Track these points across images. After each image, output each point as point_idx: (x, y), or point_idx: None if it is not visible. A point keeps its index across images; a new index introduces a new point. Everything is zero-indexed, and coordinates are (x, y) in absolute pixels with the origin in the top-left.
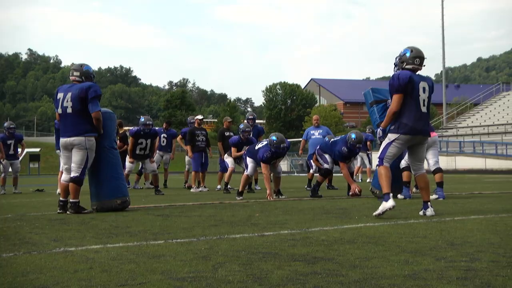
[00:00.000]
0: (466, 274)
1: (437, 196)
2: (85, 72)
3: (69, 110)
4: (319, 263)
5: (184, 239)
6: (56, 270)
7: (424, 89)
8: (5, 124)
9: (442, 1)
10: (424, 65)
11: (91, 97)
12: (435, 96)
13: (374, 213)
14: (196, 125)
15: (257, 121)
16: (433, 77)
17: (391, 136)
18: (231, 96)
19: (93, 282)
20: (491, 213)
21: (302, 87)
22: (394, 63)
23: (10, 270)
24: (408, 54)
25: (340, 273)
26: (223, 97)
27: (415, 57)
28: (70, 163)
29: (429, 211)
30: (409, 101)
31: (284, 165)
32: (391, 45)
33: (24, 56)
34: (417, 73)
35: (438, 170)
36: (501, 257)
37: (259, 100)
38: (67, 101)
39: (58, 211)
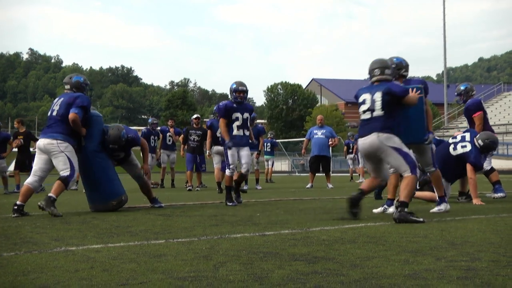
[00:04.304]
0: (467, 273)
1: (502, 194)
2: (74, 83)
3: (54, 113)
4: (320, 263)
5: (185, 239)
6: (57, 270)
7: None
8: None
9: (444, 2)
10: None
11: (77, 105)
12: (437, 96)
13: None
14: (194, 125)
15: (257, 120)
16: (434, 77)
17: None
18: None
19: (94, 282)
20: (491, 213)
21: (304, 87)
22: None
23: (11, 270)
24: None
25: (340, 273)
26: (224, 97)
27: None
28: (39, 166)
29: (392, 209)
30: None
31: (285, 165)
32: (392, 45)
33: (25, 56)
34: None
35: (492, 170)
36: (502, 256)
37: (260, 100)
38: (57, 105)
39: (13, 215)
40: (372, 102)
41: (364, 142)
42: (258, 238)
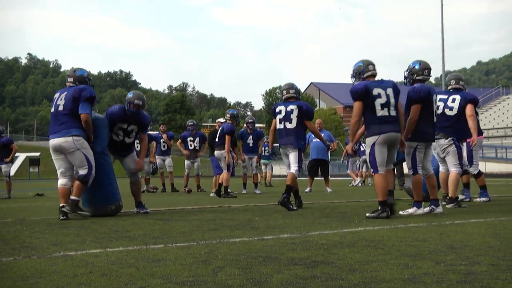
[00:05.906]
0: (466, 277)
1: (464, 197)
2: (78, 77)
3: (61, 108)
4: (319, 267)
5: (184, 243)
6: (56, 274)
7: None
8: None
9: (442, 4)
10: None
11: (84, 98)
12: None
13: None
14: (217, 127)
15: (256, 125)
16: (432, 81)
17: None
18: (231, 100)
19: (93, 286)
20: (490, 217)
21: (302, 91)
22: (405, 76)
23: (10, 275)
24: (417, 67)
25: (339, 277)
26: (222, 101)
27: (424, 69)
28: (64, 166)
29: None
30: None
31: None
32: (391, 48)
33: (23, 61)
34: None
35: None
36: (501, 260)
37: (258, 104)
38: (60, 100)
39: (61, 217)
40: (387, 97)
41: (392, 135)
42: (257, 242)
